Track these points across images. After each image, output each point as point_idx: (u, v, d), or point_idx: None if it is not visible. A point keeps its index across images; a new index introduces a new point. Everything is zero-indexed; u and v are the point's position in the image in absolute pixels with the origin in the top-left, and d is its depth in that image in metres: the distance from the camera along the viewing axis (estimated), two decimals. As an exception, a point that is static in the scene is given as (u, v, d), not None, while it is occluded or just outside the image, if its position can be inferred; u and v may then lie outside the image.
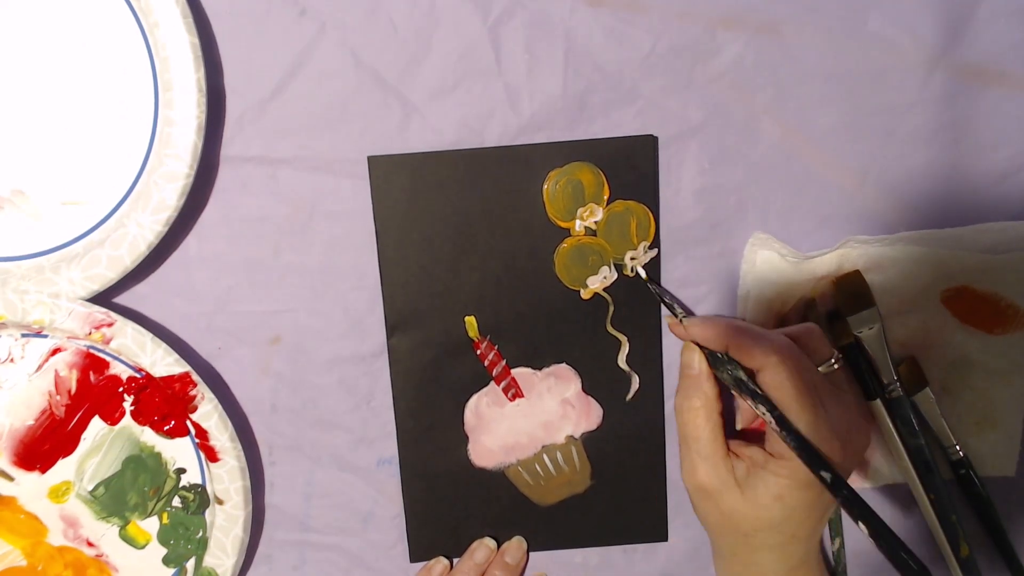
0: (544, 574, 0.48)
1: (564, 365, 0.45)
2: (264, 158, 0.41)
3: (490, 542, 0.47)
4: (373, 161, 0.41)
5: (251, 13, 0.39)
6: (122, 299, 0.42)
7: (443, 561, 0.47)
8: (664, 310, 0.44)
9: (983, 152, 0.44)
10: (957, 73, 0.43)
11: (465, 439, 0.45)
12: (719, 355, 0.40)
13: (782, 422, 0.37)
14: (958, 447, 0.46)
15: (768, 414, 0.37)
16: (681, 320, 0.41)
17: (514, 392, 0.45)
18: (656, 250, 0.44)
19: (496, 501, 0.46)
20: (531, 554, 0.48)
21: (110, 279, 0.40)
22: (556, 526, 0.47)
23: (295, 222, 0.42)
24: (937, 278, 0.45)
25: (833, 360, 0.40)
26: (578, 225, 0.43)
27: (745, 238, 0.44)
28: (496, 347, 0.44)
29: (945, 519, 0.47)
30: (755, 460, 0.39)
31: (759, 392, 0.38)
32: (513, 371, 0.45)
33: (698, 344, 0.41)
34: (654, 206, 0.43)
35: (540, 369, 0.45)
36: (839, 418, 0.38)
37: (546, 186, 0.42)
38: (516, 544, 0.47)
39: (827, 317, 0.45)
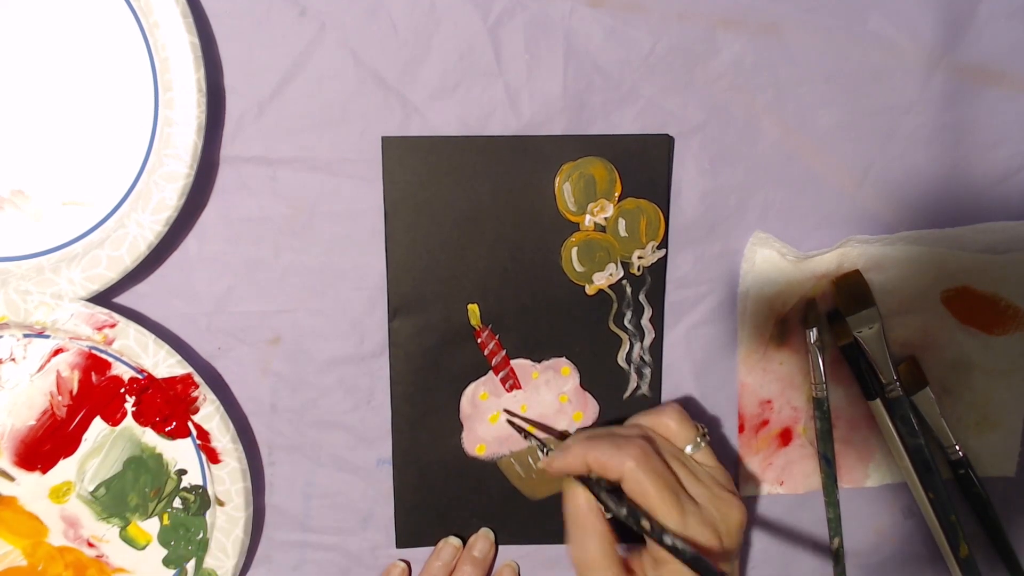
0: (514, 564, 0.48)
1: (563, 359, 0.45)
2: (264, 158, 0.41)
3: (455, 540, 0.46)
4: (387, 142, 0.41)
5: (251, 13, 0.39)
6: (122, 299, 0.42)
7: (453, 542, 0.46)
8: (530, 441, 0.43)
9: (983, 152, 0.44)
10: (957, 73, 0.43)
11: (460, 427, 0.45)
12: (590, 477, 0.38)
13: (653, 529, 0.35)
14: (958, 447, 0.46)
15: (638, 524, 0.36)
16: (547, 454, 0.40)
17: (512, 383, 0.45)
18: (664, 251, 0.44)
19: (486, 491, 0.46)
20: (521, 547, 0.48)
21: (110, 279, 0.40)
22: (545, 520, 0.47)
23: (295, 222, 0.42)
24: (937, 278, 0.45)
25: (698, 438, 0.40)
26: (588, 220, 0.43)
27: (745, 238, 0.44)
28: (497, 337, 0.44)
29: (945, 519, 0.47)
30: (646, 571, 0.38)
31: (627, 505, 0.36)
32: (512, 362, 0.45)
33: (574, 476, 0.39)
34: (665, 207, 0.43)
35: (539, 362, 0.45)
36: (708, 501, 0.38)
37: (558, 179, 0.42)
38: (483, 536, 0.47)
39: (827, 317, 0.46)
